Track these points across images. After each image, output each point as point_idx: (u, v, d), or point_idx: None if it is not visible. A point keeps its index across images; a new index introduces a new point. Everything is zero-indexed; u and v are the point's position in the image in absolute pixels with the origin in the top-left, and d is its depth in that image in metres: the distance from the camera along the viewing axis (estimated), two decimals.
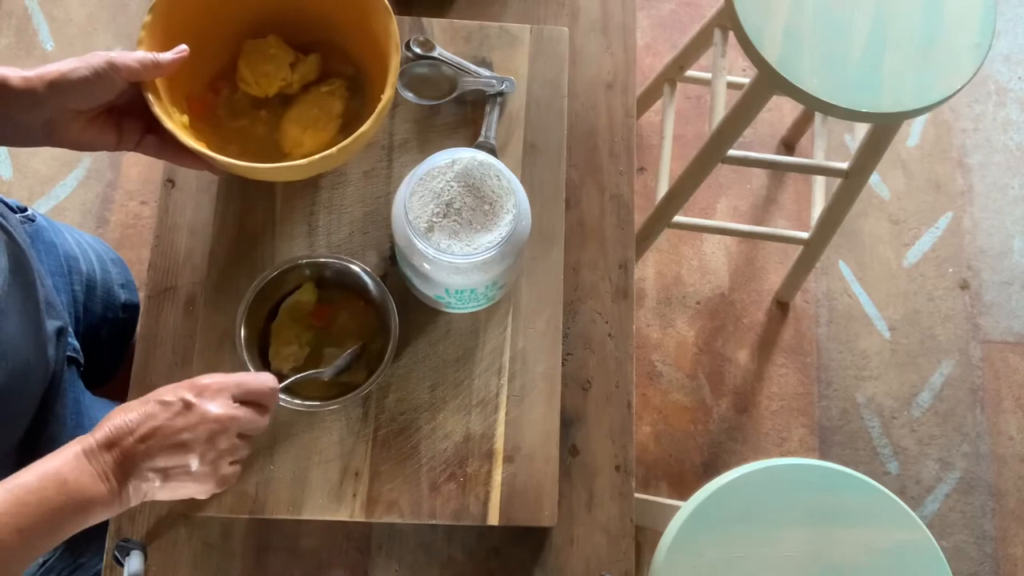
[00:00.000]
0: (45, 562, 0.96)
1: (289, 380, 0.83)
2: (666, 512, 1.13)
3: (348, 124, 0.93)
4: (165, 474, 0.71)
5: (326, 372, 0.86)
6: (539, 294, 0.94)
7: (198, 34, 0.88)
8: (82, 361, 1.03)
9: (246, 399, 0.75)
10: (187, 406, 0.71)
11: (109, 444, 0.68)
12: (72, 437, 0.95)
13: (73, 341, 1.01)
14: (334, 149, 0.82)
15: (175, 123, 0.82)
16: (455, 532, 0.90)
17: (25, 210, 1.03)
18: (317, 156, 0.82)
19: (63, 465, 0.67)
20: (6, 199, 0.99)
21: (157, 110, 0.80)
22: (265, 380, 0.77)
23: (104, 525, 0.89)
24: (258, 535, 0.89)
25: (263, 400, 0.77)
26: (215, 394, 0.73)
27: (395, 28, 0.86)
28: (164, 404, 0.71)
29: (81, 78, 0.75)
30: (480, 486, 0.88)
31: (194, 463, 0.71)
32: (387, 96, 0.84)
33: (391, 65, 0.85)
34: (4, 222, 0.91)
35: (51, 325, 0.94)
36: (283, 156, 0.91)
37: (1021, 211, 2.04)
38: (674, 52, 1.72)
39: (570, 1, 1.08)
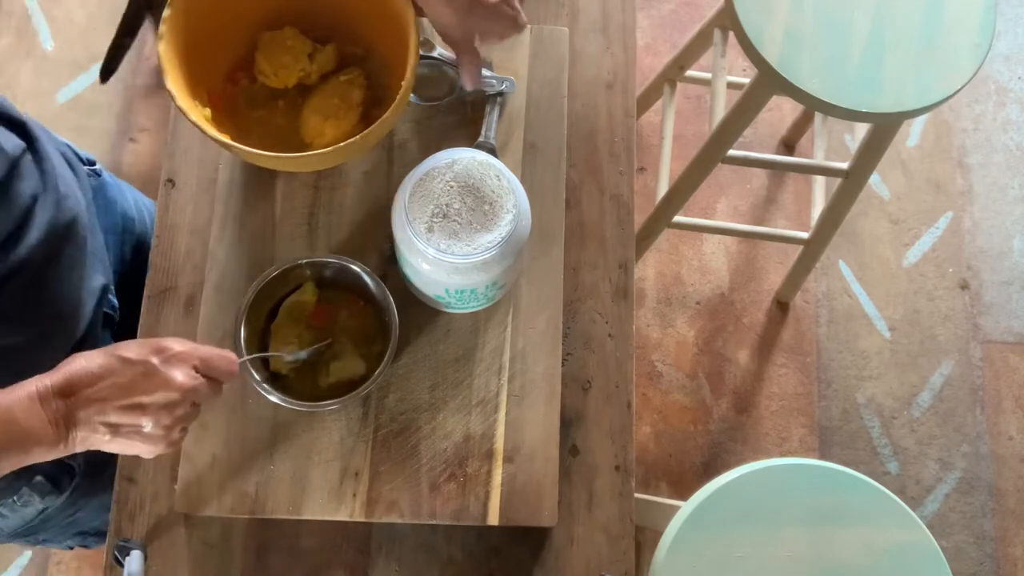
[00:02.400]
0: (44, 510, 0.98)
1: (248, 357, 0.82)
2: (666, 512, 1.13)
3: (367, 112, 0.94)
4: (116, 430, 0.69)
5: (287, 356, 0.85)
6: (539, 294, 0.94)
7: (216, 27, 0.89)
8: (118, 319, 1.04)
9: (207, 373, 0.74)
10: (150, 371, 0.69)
11: (64, 391, 0.67)
12: None
13: (113, 299, 1.02)
14: (358, 137, 0.83)
15: (198, 116, 0.84)
16: (455, 532, 0.90)
17: (93, 163, 1.04)
18: (343, 143, 0.82)
19: (15, 404, 0.66)
20: (77, 149, 1.00)
21: (181, 103, 0.82)
22: (227, 358, 0.76)
23: (107, 485, 0.90)
24: (258, 535, 0.89)
25: (222, 377, 0.76)
26: (179, 362, 0.71)
27: (413, 13, 0.86)
28: (127, 362, 0.69)
29: None
30: (480, 486, 0.88)
31: (147, 426, 0.70)
32: (408, 81, 0.84)
33: (410, 50, 0.85)
34: (75, 172, 0.92)
35: (96, 280, 0.95)
36: (303, 146, 0.92)
37: (1021, 211, 2.04)
38: (674, 52, 1.72)
39: (570, 1, 1.08)
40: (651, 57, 2.08)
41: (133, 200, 1.13)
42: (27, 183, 0.84)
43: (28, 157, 0.85)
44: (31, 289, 0.85)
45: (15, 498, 0.93)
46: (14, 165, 0.82)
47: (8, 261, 0.82)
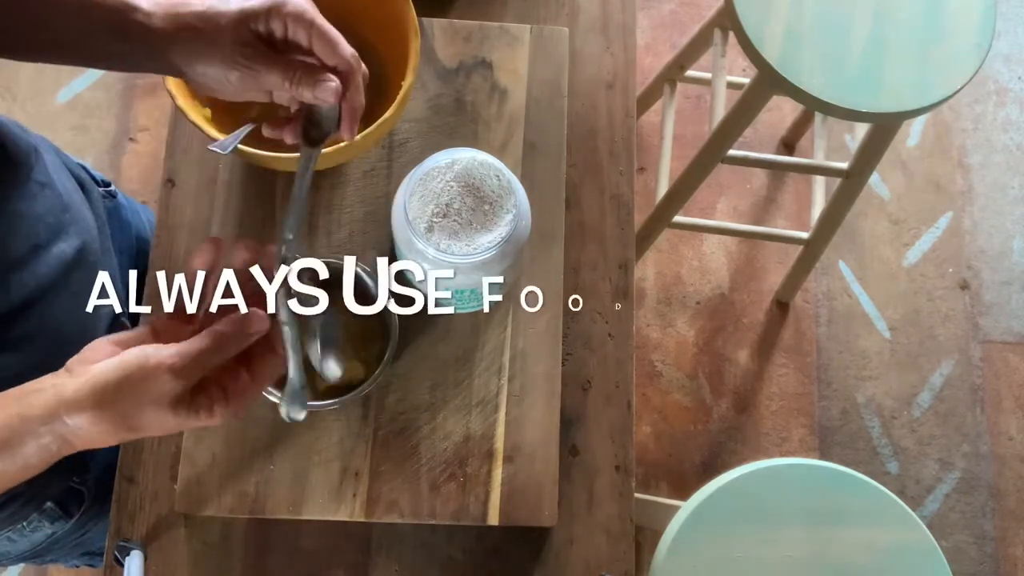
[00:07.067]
0: (53, 534, 0.97)
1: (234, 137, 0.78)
2: (666, 512, 1.13)
3: (368, 112, 0.93)
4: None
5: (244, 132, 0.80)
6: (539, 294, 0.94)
7: None
8: None
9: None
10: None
11: (114, 405, 0.60)
12: None
13: (128, 323, 1.00)
14: (358, 137, 0.82)
15: (198, 116, 0.84)
16: (455, 532, 0.90)
17: (108, 185, 1.02)
18: (343, 143, 0.82)
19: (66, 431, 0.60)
20: (91, 171, 0.98)
21: (181, 103, 0.82)
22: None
23: (109, 508, 0.89)
24: (258, 535, 0.89)
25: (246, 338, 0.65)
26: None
27: (412, 13, 0.86)
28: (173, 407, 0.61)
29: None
30: (480, 486, 0.88)
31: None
32: (408, 82, 0.84)
33: (411, 51, 0.85)
34: (87, 195, 0.90)
35: (106, 310, 0.92)
36: None
37: (1021, 211, 2.04)
38: (674, 52, 1.72)
39: (570, 1, 1.08)
40: (651, 57, 2.08)
41: (148, 221, 1.11)
42: (33, 208, 0.82)
43: (33, 182, 0.83)
44: (37, 320, 0.82)
45: (24, 523, 0.92)
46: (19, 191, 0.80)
47: (14, 292, 0.79)
